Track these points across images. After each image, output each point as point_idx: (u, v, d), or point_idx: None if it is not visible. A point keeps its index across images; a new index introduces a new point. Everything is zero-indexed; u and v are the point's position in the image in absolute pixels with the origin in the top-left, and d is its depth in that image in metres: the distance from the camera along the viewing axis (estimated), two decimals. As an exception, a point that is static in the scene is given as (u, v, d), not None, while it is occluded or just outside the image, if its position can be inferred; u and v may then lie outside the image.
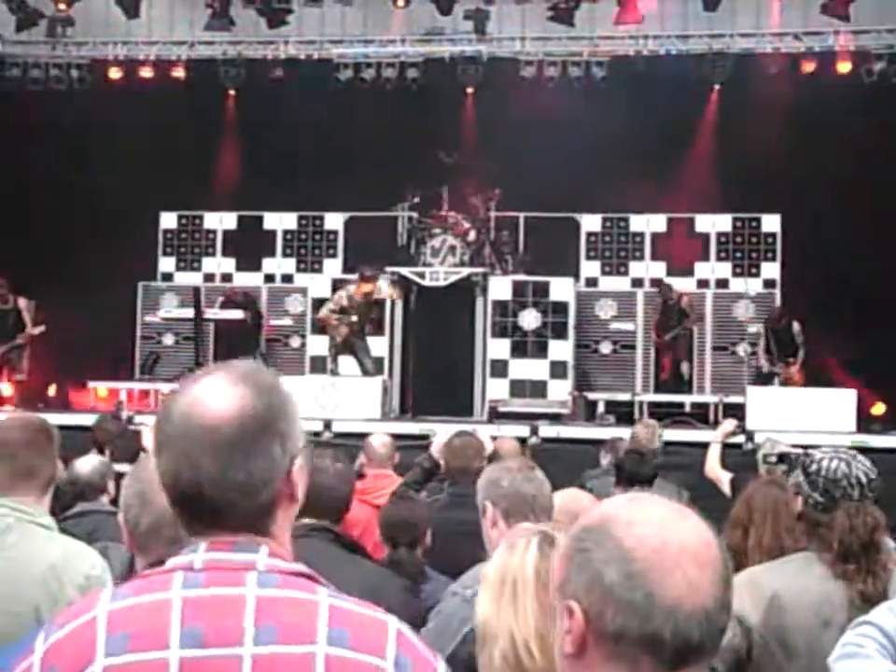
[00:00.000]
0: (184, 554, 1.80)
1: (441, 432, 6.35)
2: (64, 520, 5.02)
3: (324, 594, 1.76)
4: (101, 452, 6.87)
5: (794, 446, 7.63)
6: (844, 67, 15.95)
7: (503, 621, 2.55)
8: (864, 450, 4.35)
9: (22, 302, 15.35)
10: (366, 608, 1.78)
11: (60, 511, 5.17)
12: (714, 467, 7.49)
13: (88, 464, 5.65)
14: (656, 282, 16.29)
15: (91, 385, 15.75)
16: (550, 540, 2.54)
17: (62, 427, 3.99)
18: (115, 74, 17.23)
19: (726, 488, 7.21)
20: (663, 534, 1.59)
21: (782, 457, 6.70)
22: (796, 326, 14.57)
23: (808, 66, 16.12)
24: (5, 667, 2.34)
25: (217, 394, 1.81)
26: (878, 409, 14.43)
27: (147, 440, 6.75)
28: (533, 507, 3.86)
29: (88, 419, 10.00)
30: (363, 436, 7.73)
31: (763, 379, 14.52)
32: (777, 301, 15.81)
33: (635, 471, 5.97)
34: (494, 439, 6.82)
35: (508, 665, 2.52)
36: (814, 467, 3.58)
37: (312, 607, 1.73)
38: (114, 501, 5.42)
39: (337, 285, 14.98)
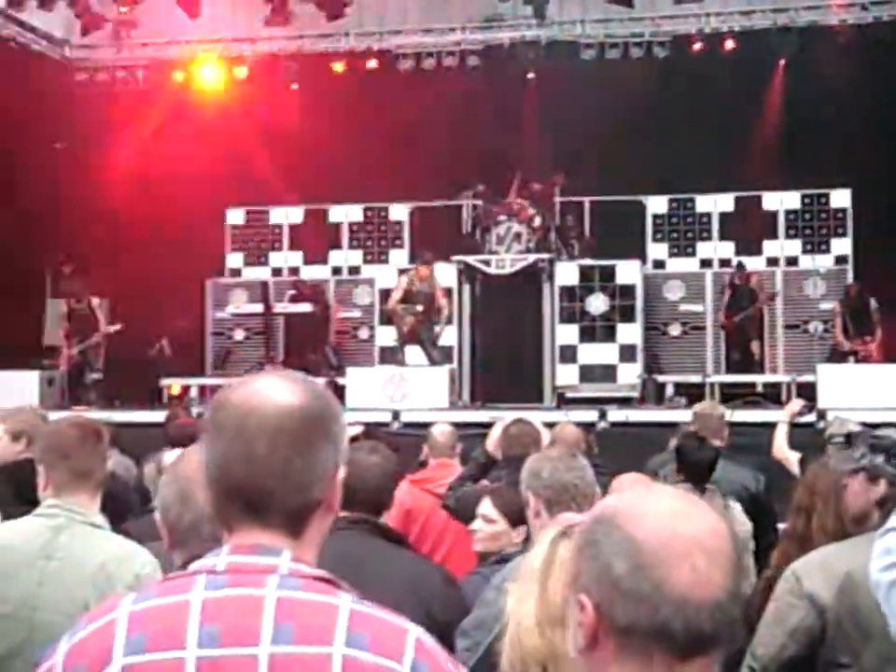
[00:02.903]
0: (207, 558, 1.81)
1: (496, 426, 6.29)
2: (145, 513, 5.06)
3: (346, 598, 1.76)
4: (174, 447, 6.90)
5: (864, 424, 7.52)
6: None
7: (516, 608, 2.57)
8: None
9: (96, 301, 15.50)
10: (388, 614, 1.78)
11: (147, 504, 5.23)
12: (782, 447, 7.37)
13: (173, 459, 5.69)
14: (727, 262, 16.13)
15: (164, 381, 15.92)
16: (565, 534, 2.53)
17: (136, 425, 4.04)
18: (178, 74, 17.41)
19: (795, 469, 7.11)
20: (672, 525, 1.57)
21: (849, 437, 6.59)
22: (873, 303, 14.32)
23: (876, 36, 15.81)
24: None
25: (277, 388, 1.83)
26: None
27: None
28: (574, 496, 3.83)
29: (159, 416, 10.13)
30: (430, 425, 7.73)
31: (840, 357, 14.28)
32: (850, 278, 15.57)
33: (694, 457, 5.89)
34: (550, 426, 6.73)
35: (512, 645, 2.58)
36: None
37: (332, 609, 1.73)
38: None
39: (401, 275, 14.99)
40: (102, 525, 3.54)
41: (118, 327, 15.29)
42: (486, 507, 4.64)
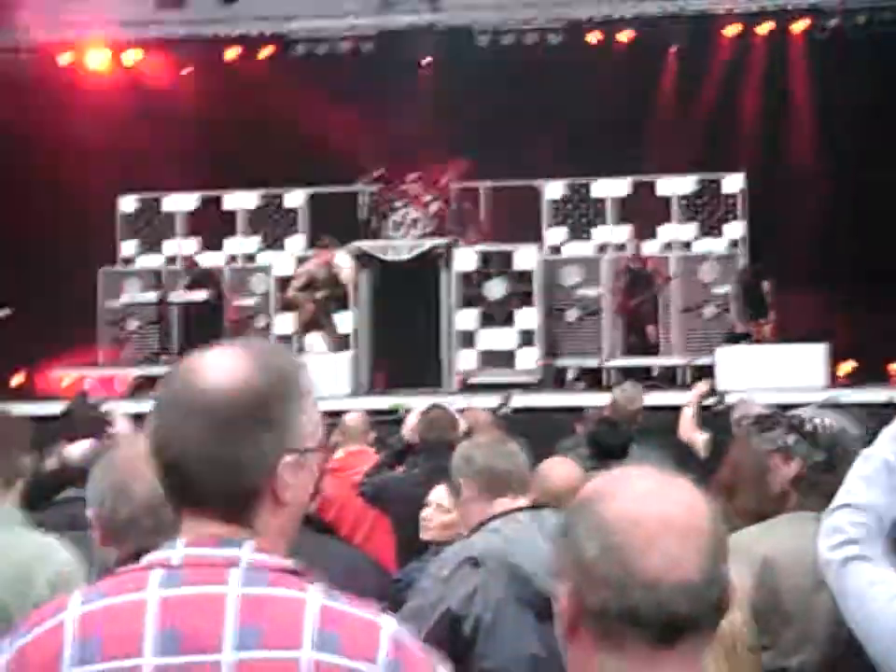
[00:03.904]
0: (161, 550, 1.69)
1: (412, 412, 6.27)
2: (50, 506, 4.94)
3: (314, 592, 1.65)
4: (72, 439, 6.74)
5: (768, 406, 7.64)
6: (798, 27, 15.92)
7: None
8: (836, 406, 4.31)
9: None
10: (359, 608, 1.66)
11: (48, 497, 5.10)
12: (688, 429, 7.48)
13: (78, 449, 5.57)
14: (622, 247, 16.26)
15: (56, 372, 15.59)
16: None
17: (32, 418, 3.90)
18: (65, 58, 17.02)
19: (701, 450, 7.21)
20: (644, 506, 1.53)
21: (758, 419, 6.68)
22: (766, 285, 14.53)
23: (765, 26, 16.08)
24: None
25: (218, 366, 1.71)
26: (846, 368, 14.44)
27: (121, 426, 6.65)
28: (509, 481, 3.82)
29: (54, 407, 9.92)
30: (334, 413, 7.66)
31: (735, 339, 14.48)
32: (742, 262, 15.80)
33: (607, 442, 5.93)
34: (461, 412, 6.74)
35: None
36: (808, 426, 3.52)
37: (299, 606, 1.62)
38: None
39: (301, 262, 14.86)
40: (18, 521, 3.40)
41: (7, 311, 14.81)
42: (440, 494, 4.62)
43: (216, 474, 1.67)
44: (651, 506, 1.53)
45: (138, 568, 1.68)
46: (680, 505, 1.54)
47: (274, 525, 1.71)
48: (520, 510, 3.73)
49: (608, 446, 5.92)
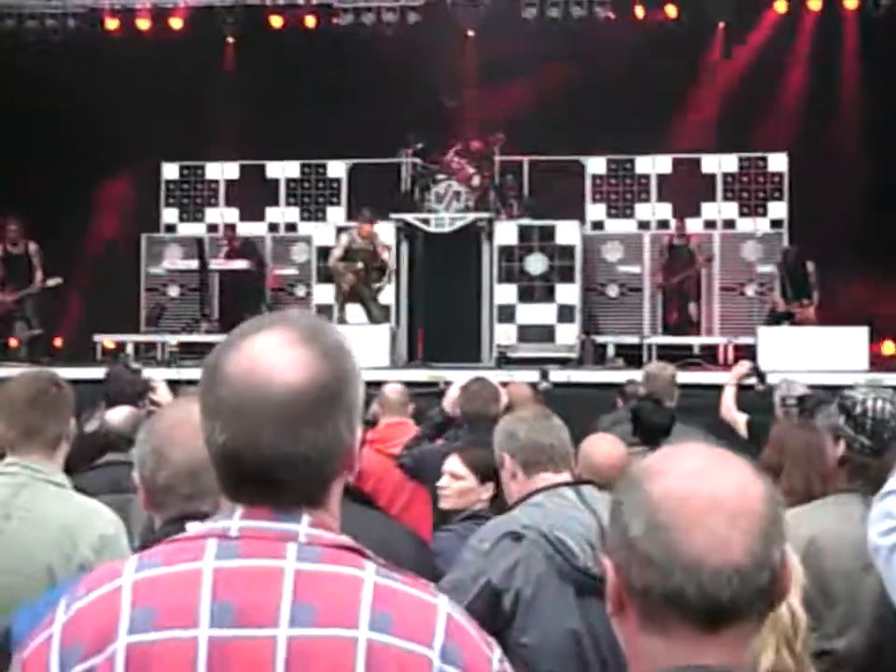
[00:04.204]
0: (218, 519, 1.65)
1: (453, 385, 6.25)
2: (91, 469, 4.97)
3: (370, 570, 1.62)
4: (112, 404, 6.78)
5: (810, 387, 7.58)
6: (851, 3, 15.71)
7: None
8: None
9: (33, 248, 14.93)
10: (415, 588, 1.63)
11: (90, 461, 5.14)
12: (730, 409, 7.41)
13: (119, 414, 5.61)
14: (665, 224, 16.17)
15: (97, 337, 15.69)
16: None
17: (72, 382, 3.91)
18: (111, 24, 17.05)
19: (742, 430, 7.15)
20: (692, 484, 1.48)
21: (801, 399, 6.63)
22: (810, 266, 14.38)
23: (815, 2, 15.88)
24: (21, 630, 2.28)
25: (280, 358, 1.63)
26: (889, 348, 14.34)
27: (163, 395, 6.66)
28: (552, 456, 3.80)
29: (95, 372, 9.97)
30: (372, 384, 7.63)
31: (777, 320, 14.37)
32: (785, 242, 15.68)
33: (651, 420, 5.89)
34: (504, 385, 6.74)
35: None
36: (858, 409, 3.46)
37: (356, 584, 1.59)
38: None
39: (342, 232, 14.86)
40: (63, 483, 3.42)
41: (58, 280, 14.82)
42: (454, 464, 4.62)
43: (299, 474, 1.63)
44: (700, 484, 1.48)
45: (195, 536, 1.66)
46: (732, 485, 1.49)
47: (336, 495, 1.70)
48: (563, 485, 3.71)
49: (651, 424, 5.88)
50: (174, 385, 8.34)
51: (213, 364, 1.67)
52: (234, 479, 1.65)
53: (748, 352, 13.14)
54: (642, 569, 1.47)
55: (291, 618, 1.56)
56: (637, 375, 8.94)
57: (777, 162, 16.29)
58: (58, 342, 16.15)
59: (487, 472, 4.43)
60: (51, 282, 14.77)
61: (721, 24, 16.36)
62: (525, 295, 15.29)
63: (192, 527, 1.74)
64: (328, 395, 1.63)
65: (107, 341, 15.68)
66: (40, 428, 3.47)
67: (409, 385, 8.10)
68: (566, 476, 3.79)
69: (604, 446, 4.43)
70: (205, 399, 1.67)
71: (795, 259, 14.54)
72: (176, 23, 16.98)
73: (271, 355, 1.63)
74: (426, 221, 15.41)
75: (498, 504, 4.44)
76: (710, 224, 16.35)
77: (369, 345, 13.01)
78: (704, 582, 1.44)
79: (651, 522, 1.47)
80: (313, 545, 1.62)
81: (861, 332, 12.85)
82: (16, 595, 2.93)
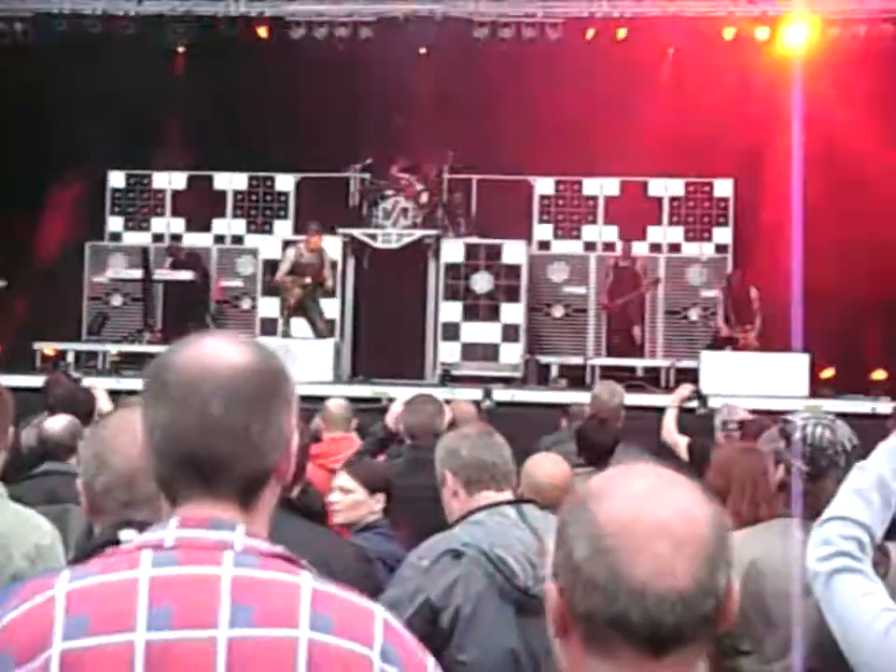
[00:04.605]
0: (153, 531, 1.66)
1: (396, 401, 6.26)
2: (27, 479, 4.91)
3: (306, 577, 1.64)
4: (53, 412, 6.71)
5: (751, 412, 7.64)
6: (796, 34, 15.89)
7: None
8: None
9: None
10: (350, 593, 1.66)
11: (26, 470, 5.08)
12: (671, 431, 7.46)
13: (58, 423, 5.55)
14: (611, 246, 16.27)
15: (37, 345, 15.51)
16: None
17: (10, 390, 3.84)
18: (61, 27, 16.88)
19: (683, 453, 7.19)
20: (638, 507, 1.46)
21: (742, 423, 6.67)
22: (754, 291, 14.52)
23: (762, 31, 16.06)
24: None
25: (226, 349, 1.70)
26: (828, 373, 14.48)
27: (104, 402, 6.60)
28: (494, 474, 3.80)
29: (34, 381, 9.85)
30: (315, 399, 7.62)
31: (720, 344, 14.48)
32: (730, 267, 15.81)
33: (596, 439, 5.91)
34: (448, 403, 6.74)
35: None
36: (797, 434, 3.48)
37: (293, 589, 1.61)
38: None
39: (288, 246, 14.82)
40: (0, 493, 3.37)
41: (3, 283, 14.61)
42: (343, 478, 4.72)
43: (243, 458, 1.66)
44: (645, 508, 1.47)
45: (129, 549, 1.65)
46: (678, 509, 1.47)
47: (269, 503, 1.72)
48: (504, 503, 3.71)
49: (595, 444, 5.90)
50: (115, 394, 8.28)
51: (158, 360, 1.72)
52: (175, 462, 1.66)
53: (690, 375, 13.22)
54: (587, 593, 1.45)
55: (231, 619, 1.57)
56: (580, 396, 8.99)
57: (723, 188, 16.45)
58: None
59: (375, 485, 4.61)
60: None
61: (671, 49, 16.50)
62: (470, 313, 15.32)
63: (126, 535, 1.74)
64: (269, 382, 1.69)
65: (48, 348, 15.50)
66: None
67: (352, 400, 8.09)
68: (507, 494, 3.78)
69: (547, 465, 4.43)
70: (150, 389, 1.70)
71: (739, 283, 14.67)
72: (128, 30, 16.84)
73: (217, 346, 1.71)
74: (373, 237, 15.41)
75: (392, 518, 4.64)
76: (656, 247, 16.48)
77: (313, 360, 12.98)
78: (648, 608, 1.43)
79: (595, 546, 1.46)
80: (249, 553, 1.63)
81: (803, 359, 12.98)
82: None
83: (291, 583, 1.62)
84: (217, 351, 1.69)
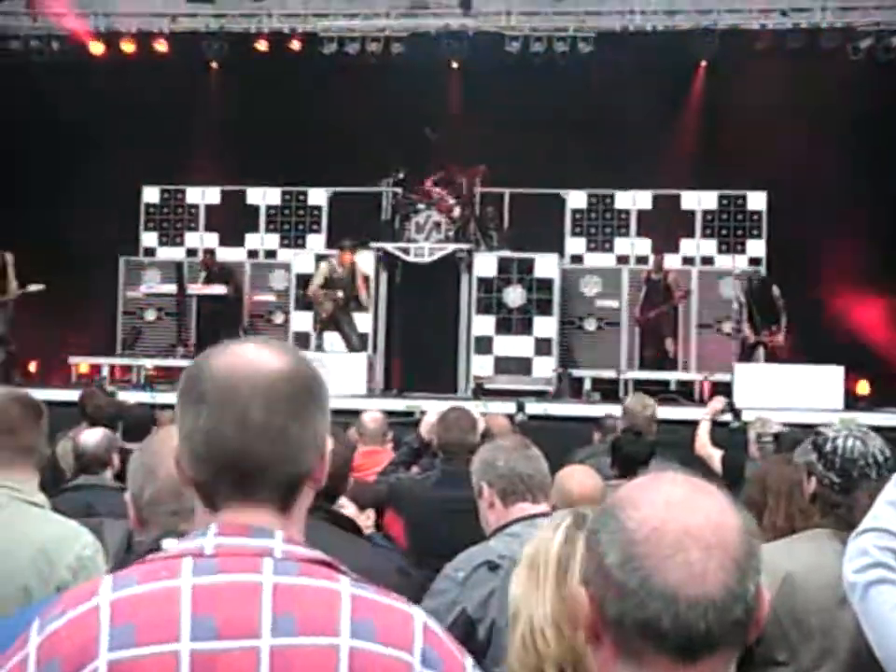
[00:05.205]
0: (192, 539, 1.67)
1: (430, 410, 6.27)
2: (63, 492, 4.95)
3: (346, 582, 1.65)
4: (92, 425, 6.75)
5: (785, 425, 7.62)
6: (830, 44, 15.86)
7: (526, 603, 2.48)
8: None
9: (9, 258, 14.67)
10: (390, 598, 1.67)
11: (61, 483, 5.12)
12: (705, 444, 7.45)
13: (93, 436, 5.60)
14: (644, 259, 16.25)
15: (72, 360, 15.62)
16: (579, 523, 2.45)
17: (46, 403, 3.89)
18: (96, 47, 17.03)
19: (717, 466, 7.18)
20: (668, 515, 1.48)
21: (777, 436, 6.66)
22: (775, 290, 14.40)
23: (795, 42, 16.03)
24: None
25: (262, 353, 1.72)
26: (863, 388, 14.39)
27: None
28: (530, 486, 3.80)
29: (69, 395, 9.92)
30: (348, 412, 7.63)
31: (749, 350, 14.39)
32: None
33: (630, 451, 5.90)
34: (484, 415, 6.75)
35: (525, 648, 2.45)
36: (829, 446, 3.47)
37: (333, 596, 1.62)
38: (118, 475, 5.38)
39: (321, 260, 14.88)
40: (42, 503, 3.40)
41: (40, 287, 14.44)
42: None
43: (282, 461, 1.68)
44: (676, 516, 1.48)
45: (169, 556, 1.67)
46: (708, 516, 1.49)
47: (304, 508, 1.74)
48: (540, 515, 3.71)
49: (630, 456, 5.89)
50: (150, 409, 8.34)
51: (194, 368, 1.74)
52: (214, 467, 1.68)
53: (723, 388, 13.17)
54: (617, 599, 1.47)
55: (273, 628, 1.58)
56: (613, 409, 8.96)
57: (757, 201, 16.40)
58: (32, 365, 16.04)
59: (365, 501, 4.75)
60: (33, 287, 14.41)
61: (703, 62, 16.50)
62: (503, 327, 15.33)
63: (168, 543, 1.75)
64: (307, 387, 1.72)
65: (83, 364, 15.61)
66: (33, 448, 3.45)
67: (385, 413, 8.10)
68: (543, 507, 3.79)
69: (579, 477, 4.43)
70: (188, 395, 1.72)
71: (760, 284, 14.56)
72: (161, 47, 16.98)
73: (253, 352, 1.73)
74: (405, 251, 15.45)
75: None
76: (689, 260, 16.45)
77: (346, 374, 13.02)
78: (680, 613, 1.44)
79: (626, 553, 1.47)
80: (288, 560, 1.64)
81: (837, 371, 12.91)
82: (-8, 615, 2.91)
83: (331, 590, 1.63)
84: (253, 356, 1.71)
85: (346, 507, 4.73)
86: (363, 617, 1.61)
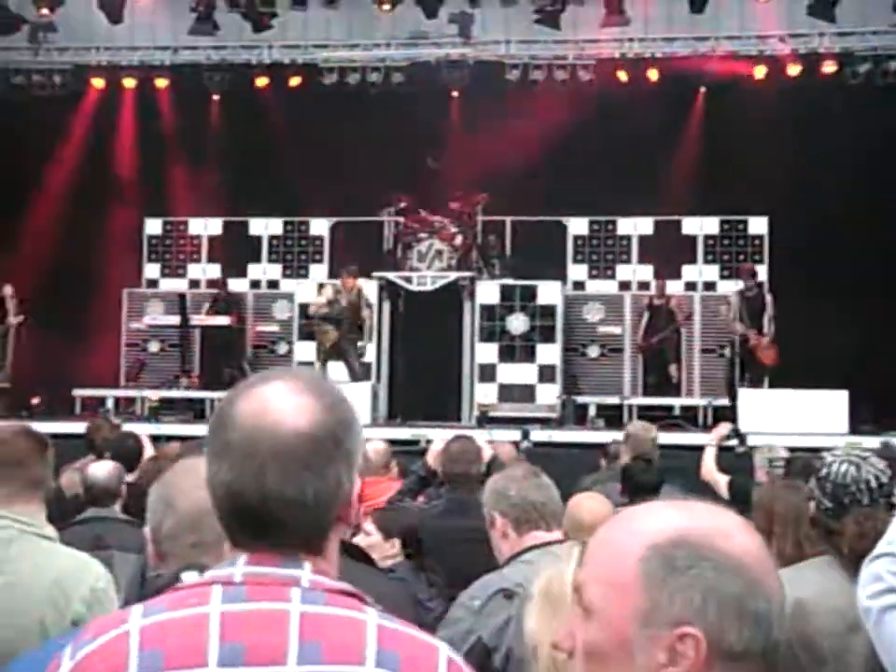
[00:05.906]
0: (222, 567, 1.69)
1: (436, 439, 6.28)
2: (72, 524, 4.95)
3: (372, 614, 1.66)
4: (99, 457, 6.76)
5: (790, 450, 7.61)
6: (829, 69, 15.94)
7: (545, 634, 2.46)
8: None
9: (8, 290, 14.94)
10: (415, 630, 1.69)
11: (69, 515, 5.11)
12: (711, 470, 7.44)
13: (103, 469, 5.59)
14: (646, 285, 16.27)
15: (76, 392, 15.62)
16: None
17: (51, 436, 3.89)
18: (98, 81, 17.10)
19: (723, 491, 7.16)
20: (752, 542, 1.53)
21: (789, 461, 6.65)
22: (769, 297, 14.47)
23: (793, 68, 16.10)
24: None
25: (288, 403, 1.69)
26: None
27: (150, 449, 6.65)
28: (543, 514, 3.81)
29: (74, 427, 9.93)
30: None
31: (742, 344, 14.36)
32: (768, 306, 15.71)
33: (641, 478, 5.90)
34: (490, 443, 6.75)
35: None
36: (823, 471, 3.46)
37: (360, 626, 1.63)
38: (125, 506, 5.38)
39: (324, 290, 14.88)
40: (52, 536, 3.40)
41: (20, 319, 14.74)
42: (367, 524, 4.79)
43: (300, 519, 1.68)
44: (753, 541, 1.54)
45: (199, 584, 1.69)
46: (757, 538, 1.56)
47: (335, 545, 1.75)
48: (555, 542, 3.71)
49: (641, 483, 5.89)
50: (154, 440, 8.35)
51: (222, 411, 1.73)
52: (236, 519, 1.69)
53: (728, 414, 13.17)
54: (745, 628, 1.48)
55: (300, 656, 1.60)
56: (617, 436, 8.96)
57: (758, 225, 16.44)
58: (35, 399, 16.02)
59: (391, 531, 4.73)
60: (15, 320, 14.80)
61: (703, 88, 16.56)
62: (506, 354, 15.35)
63: (188, 576, 1.76)
64: (331, 441, 1.70)
65: (87, 395, 15.61)
66: (41, 481, 3.44)
67: (390, 442, 8.10)
68: (557, 534, 3.79)
69: (590, 504, 4.43)
70: (213, 442, 1.72)
71: (757, 290, 14.56)
72: (162, 82, 17.05)
73: (279, 401, 1.70)
74: (408, 280, 15.49)
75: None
76: (691, 286, 16.47)
77: (350, 403, 12.98)
78: (783, 628, 1.52)
79: (746, 579, 1.49)
80: (315, 590, 1.66)
81: (842, 395, 12.91)
82: (9, 649, 2.91)
83: (358, 620, 1.64)
84: (279, 405, 1.69)
85: (372, 535, 4.72)
86: (388, 648, 1.62)
